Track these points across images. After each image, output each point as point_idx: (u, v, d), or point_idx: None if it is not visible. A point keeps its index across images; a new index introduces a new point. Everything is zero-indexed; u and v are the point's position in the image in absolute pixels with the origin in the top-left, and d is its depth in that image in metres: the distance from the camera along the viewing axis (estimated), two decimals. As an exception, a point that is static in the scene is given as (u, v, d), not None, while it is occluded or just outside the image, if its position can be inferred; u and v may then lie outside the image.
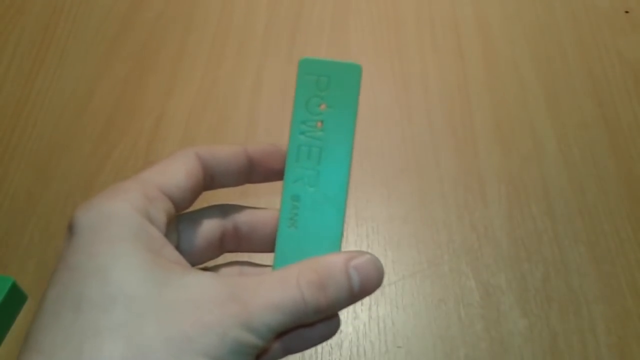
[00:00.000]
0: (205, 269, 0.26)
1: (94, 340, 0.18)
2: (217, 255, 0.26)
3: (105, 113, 0.58)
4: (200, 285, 0.20)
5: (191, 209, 0.25)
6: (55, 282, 0.19)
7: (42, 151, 0.55)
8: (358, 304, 0.45)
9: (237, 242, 0.26)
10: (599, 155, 0.52)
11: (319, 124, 0.24)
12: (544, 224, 0.49)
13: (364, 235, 0.48)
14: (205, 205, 0.26)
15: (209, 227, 0.25)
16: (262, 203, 0.28)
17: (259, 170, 0.26)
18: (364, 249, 0.48)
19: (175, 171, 0.23)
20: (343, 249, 0.24)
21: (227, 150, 0.25)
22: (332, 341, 0.44)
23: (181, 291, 0.19)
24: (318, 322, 0.23)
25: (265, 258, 0.26)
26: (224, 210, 0.26)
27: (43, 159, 0.55)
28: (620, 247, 0.47)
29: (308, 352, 0.43)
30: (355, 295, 0.22)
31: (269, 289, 0.20)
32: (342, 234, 0.24)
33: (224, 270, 0.26)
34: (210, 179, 0.25)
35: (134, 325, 0.18)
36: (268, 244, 0.25)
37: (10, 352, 0.45)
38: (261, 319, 0.20)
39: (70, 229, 0.21)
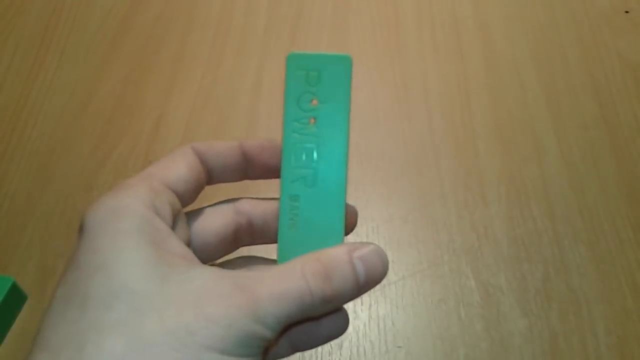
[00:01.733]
0: (213, 265, 0.26)
1: (96, 337, 0.18)
2: (233, 250, 0.26)
3: (105, 113, 0.58)
4: (203, 279, 0.20)
5: (198, 205, 0.26)
6: (64, 282, 0.20)
7: (42, 151, 0.55)
8: (358, 304, 0.45)
9: (251, 235, 0.26)
10: (599, 156, 0.52)
11: (312, 120, 0.24)
12: (544, 224, 0.49)
13: (364, 235, 0.48)
14: (210, 202, 0.26)
15: (221, 223, 0.25)
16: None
17: (256, 166, 0.26)
18: (364, 249, 0.48)
19: (177, 165, 0.24)
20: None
21: (222, 145, 0.25)
22: (332, 341, 0.44)
23: (184, 285, 0.19)
24: (325, 315, 0.23)
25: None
26: (236, 204, 0.26)
27: (43, 159, 0.55)
28: (620, 247, 0.47)
29: (308, 352, 0.43)
30: (361, 286, 0.22)
31: (274, 280, 0.20)
32: (344, 229, 0.24)
33: (233, 264, 0.26)
34: (208, 174, 0.25)
35: (136, 320, 0.18)
36: None
37: (10, 352, 0.45)
38: (268, 309, 0.19)
39: (80, 228, 0.21)
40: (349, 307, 0.45)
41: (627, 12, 0.62)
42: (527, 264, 0.47)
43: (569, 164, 0.52)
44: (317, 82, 0.24)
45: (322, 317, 0.23)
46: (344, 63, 0.24)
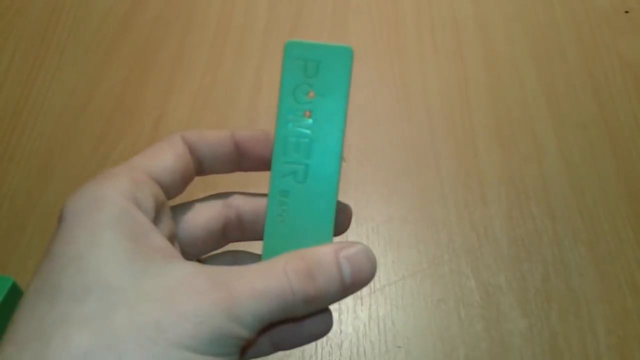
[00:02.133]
0: (199, 261, 0.25)
1: (63, 332, 0.17)
2: (222, 246, 0.25)
3: (105, 113, 0.58)
4: (180, 274, 0.19)
5: (188, 198, 0.25)
6: (38, 273, 0.19)
7: (42, 151, 0.55)
8: (358, 304, 0.45)
9: (241, 231, 0.25)
10: (599, 156, 0.52)
11: (307, 113, 0.23)
12: (544, 224, 0.49)
13: (364, 235, 0.48)
14: (203, 195, 0.26)
15: (210, 217, 0.24)
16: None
17: (248, 158, 0.25)
18: (364, 249, 0.48)
19: (164, 155, 0.23)
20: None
21: (214, 135, 0.24)
22: (332, 341, 0.44)
23: (159, 280, 0.19)
24: (308, 316, 0.22)
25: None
26: (226, 198, 0.25)
27: (43, 159, 0.55)
28: (620, 247, 0.47)
29: (308, 352, 0.43)
30: (346, 287, 0.21)
31: (254, 276, 0.20)
32: (332, 228, 0.23)
33: (218, 260, 0.26)
34: (199, 164, 0.24)
35: (105, 315, 0.18)
36: None
37: (10, 352, 0.45)
38: (246, 307, 0.19)
39: (59, 217, 0.20)
40: (349, 307, 0.45)
41: (627, 12, 0.62)
42: (527, 264, 0.47)
43: (569, 164, 0.52)
44: (315, 73, 0.23)
45: (305, 317, 0.23)
46: (345, 55, 0.23)
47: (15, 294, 0.46)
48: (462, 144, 0.54)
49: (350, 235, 0.48)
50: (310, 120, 0.23)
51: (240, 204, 0.25)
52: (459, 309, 0.45)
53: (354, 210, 0.26)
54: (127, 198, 0.20)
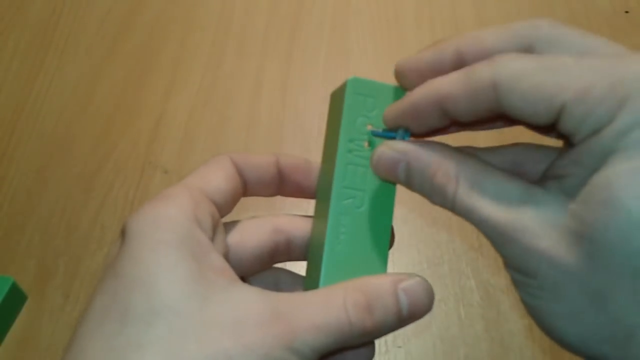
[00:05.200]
0: (242, 279, 0.25)
1: (136, 354, 0.18)
2: (267, 268, 0.26)
3: (105, 113, 0.58)
4: (243, 302, 0.19)
5: (234, 217, 0.25)
6: (103, 290, 0.20)
7: (42, 151, 0.55)
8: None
9: (288, 254, 0.26)
10: (599, 155, 0.52)
11: (366, 144, 0.24)
12: (544, 224, 0.49)
13: (364, 235, 0.48)
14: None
15: (260, 240, 0.25)
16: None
17: (289, 183, 0.25)
18: (364, 249, 0.48)
19: (216, 176, 0.23)
20: None
21: (259, 159, 0.25)
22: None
23: (224, 307, 0.19)
24: (361, 345, 0.22)
25: (302, 266, 0.25)
26: (275, 221, 0.25)
27: (43, 159, 0.55)
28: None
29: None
30: (403, 319, 0.21)
31: (314, 309, 0.20)
32: (387, 256, 0.24)
33: (261, 278, 0.26)
34: (243, 186, 0.25)
35: (176, 341, 0.18)
36: None
37: (10, 352, 0.45)
38: (305, 341, 0.19)
39: (122, 235, 0.21)
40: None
41: (627, 12, 0.62)
42: (527, 264, 0.47)
43: (569, 164, 0.52)
44: (373, 108, 0.24)
45: (355, 347, 0.23)
46: (398, 94, 0.24)
47: (15, 294, 0.46)
48: (462, 143, 0.54)
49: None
50: (369, 151, 0.24)
51: (290, 228, 0.25)
52: (459, 309, 0.45)
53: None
54: (189, 217, 0.21)
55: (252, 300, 0.20)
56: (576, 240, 0.18)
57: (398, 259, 0.47)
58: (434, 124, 0.22)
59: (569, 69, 0.19)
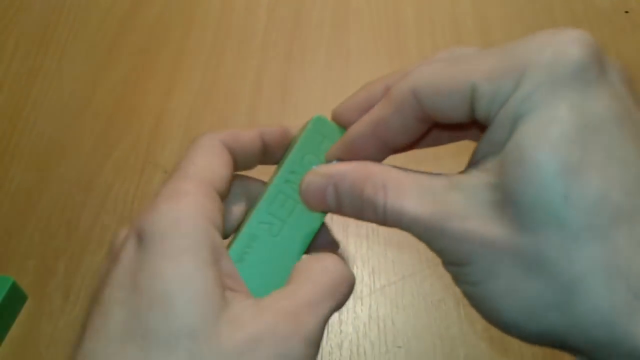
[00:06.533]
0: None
1: None
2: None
3: (105, 113, 0.58)
4: (254, 324, 0.19)
5: None
6: (122, 304, 0.19)
7: (42, 151, 0.55)
8: (358, 304, 0.45)
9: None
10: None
11: None
12: (544, 224, 0.49)
13: (364, 236, 0.48)
14: None
15: (238, 208, 0.25)
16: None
17: (270, 153, 0.26)
18: (364, 249, 0.48)
19: (218, 165, 0.23)
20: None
21: (247, 137, 0.25)
22: (332, 341, 0.44)
23: (238, 329, 0.19)
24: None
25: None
26: (245, 185, 0.26)
27: (43, 159, 0.55)
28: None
29: (308, 352, 0.43)
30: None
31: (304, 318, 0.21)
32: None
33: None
34: (234, 165, 0.25)
35: None
36: None
37: (11, 352, 0.45)
38: (313, 326, 0.20)
39: (138, 236, 0.20)
40: (349, 307, 0.45)
41: (627, 12, 0.62)
42: (527, 264, 0.47)
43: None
44: (326, 149, 0.25)
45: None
46: None
47: (15, 294, 0.46)
48: (462, 143, 0.54)
49: (350, 235, 0.49)
50: None
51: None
52: (459, 309, 0.45)
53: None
54: (206, 218, 0.20)
55: (260, 322, 0.20)
56: (500, 210, 0.18)
57: (398, 259, 0.47)
58: (373, 156, 0.23)
59: (473, 58, 0.20)
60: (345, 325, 0.44)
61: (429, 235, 0.21)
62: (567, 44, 0.18)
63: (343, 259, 0.23)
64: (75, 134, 0.56)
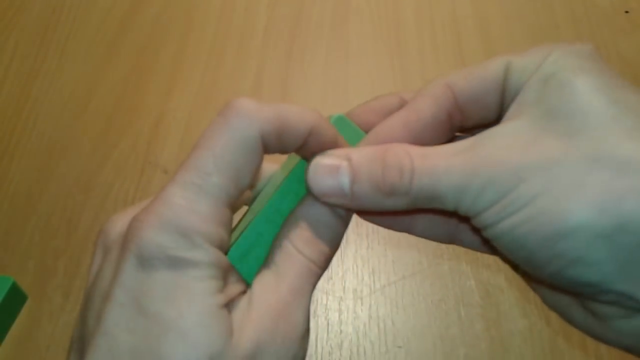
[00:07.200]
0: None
1: None
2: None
3: (105, 113, 0.58)
4: (254, 334, 0.20)
5: None
6: (133, 330, 0.19)
7: (42, 151, 0.55)
8: (358, 304, 0.45)
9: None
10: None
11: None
12: (544, 224, 0.49)
13: (364, 235, 0.48)
14: None
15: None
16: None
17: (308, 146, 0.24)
18: (363, 248, 0.48)
19: (242, 163, 0.20)
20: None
21: (297, 127, 0.23)
22: (332, 341, 0.44)
23: (242, 344, 0.19)
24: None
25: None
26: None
27: (43, 159, 0.55)
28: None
29: (308, 352, 0.43)
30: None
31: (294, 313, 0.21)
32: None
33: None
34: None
35: None
36: None
37: (11, 352, 0.45)
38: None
39: (140, 256, 0.19)
40: (349, 307, 0.45)
41: (627, 12, 0.62)
42: (527, 264, 0.47)
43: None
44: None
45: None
46: None
47: (15, 294, 0.46)
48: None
49: (350, 235, 0.49)
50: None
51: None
52: (459, 309, 0.45)
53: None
54: (214, 243, 0.20)
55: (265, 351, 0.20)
56: (547, 130, 0.19)
57: (398, 259, 0.47)
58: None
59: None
60: (345, 325, 0.45)
61: (469, 183, 0.19)
62: (581, 44, 0.22)
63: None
64: (75, 134, 0.56)
